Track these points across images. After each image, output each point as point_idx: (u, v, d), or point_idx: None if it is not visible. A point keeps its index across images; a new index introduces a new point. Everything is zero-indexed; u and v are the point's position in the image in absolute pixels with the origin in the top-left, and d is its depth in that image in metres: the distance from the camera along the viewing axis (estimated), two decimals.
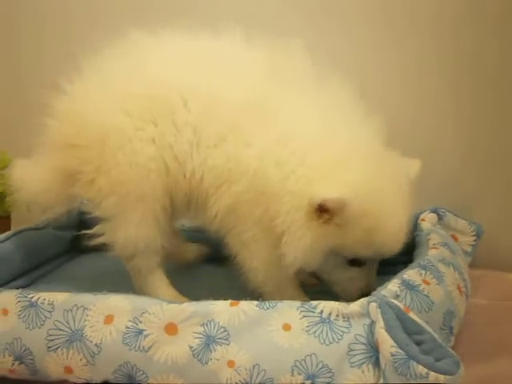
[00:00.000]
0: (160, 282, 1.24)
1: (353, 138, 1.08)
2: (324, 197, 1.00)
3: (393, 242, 1.08)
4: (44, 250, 1.45)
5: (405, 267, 1.27)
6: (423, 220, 1.29)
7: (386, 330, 0.82)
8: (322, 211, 1.02)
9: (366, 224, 1.03)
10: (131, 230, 1.17)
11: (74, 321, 0.95)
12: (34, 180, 1.22)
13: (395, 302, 0.87)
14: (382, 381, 0.82)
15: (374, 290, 0.95)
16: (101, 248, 1.52)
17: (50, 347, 0.94)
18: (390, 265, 1.35)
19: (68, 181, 1.19)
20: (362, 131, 1.09)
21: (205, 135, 1.12)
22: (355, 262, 1.10)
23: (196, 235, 1.50)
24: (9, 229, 1.52)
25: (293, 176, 1.06)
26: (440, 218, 1.31)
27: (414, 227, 1.29)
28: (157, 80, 1.13)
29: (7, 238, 1.34)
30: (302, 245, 1.04)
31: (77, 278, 1.41)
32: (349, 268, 1.11)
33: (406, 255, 1.30)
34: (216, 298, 0.95)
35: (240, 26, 1.16)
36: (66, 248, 1.56)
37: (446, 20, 1.51)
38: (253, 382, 0.86)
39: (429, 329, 0.84)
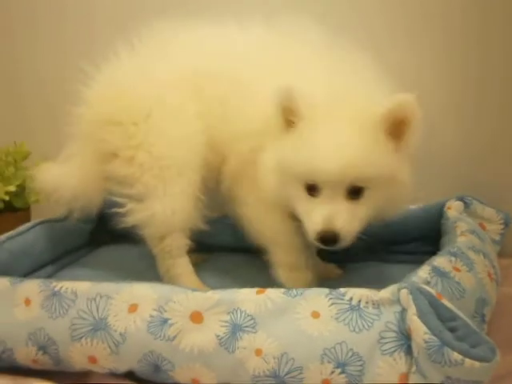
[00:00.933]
0: (186, 267, 1.25)
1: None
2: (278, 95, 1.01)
3: (320, 162, 0.99)
4: (64, 242, 1.44)
5: (426, 256, 1.27)
6: (449, 208, 1.27)
7: (419, 317, 0.79)
8: (286, 117, 1.03)
9: (303, 129, 1.01)
10: (169, 203, 1.19)
11: (98, 310, 0.93)
12: (69, 175, 1.26)
13: (427, 288, 0.84)
14: (414, 369, 0.80)
15: (346, 231, 0.97)
16: (119, 240, 1.53)
17: (73, 336, 0.93)
18: (411, 253, 1.35)
19: (104, 162, 1.22)
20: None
21: (229, 107, 1.15)
22: (311, 190, 1.02)
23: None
24: (29, 220, 1.51)
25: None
26: (466, 206, 1.28)
27: (440, 215, 1.27)
28: (196, 58, 1.19)
29: (27, 230, 1.34)
30: (265, 165, 1.07)
31: (98, 270, 1.40)
32: (308, 198, 1.03)
33: (430, 245, 1.30)
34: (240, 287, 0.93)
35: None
36: (85, 240, 1.55)
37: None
38: (281, 370, 0.84)
39: (462, 315, 0.82)
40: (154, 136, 1.18)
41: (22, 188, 1.51)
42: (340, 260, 1.33)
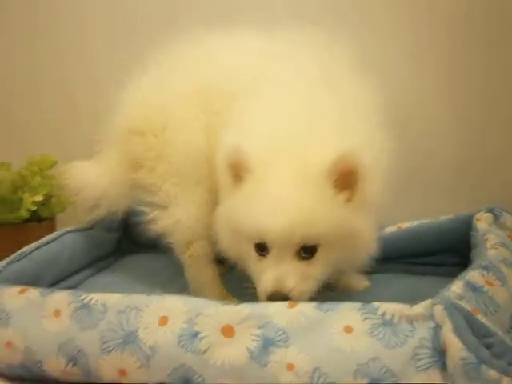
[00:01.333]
0: (213, 276, 1.27)
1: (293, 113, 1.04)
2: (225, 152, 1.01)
3: (267, 222, 0.95)
4: (90, 252, 1.44)
5: (455, 268, 1.25)
6: (478, 220, 1.24)
7: (455, 333, 0.78)
8: (234, 173, 1.01)
9: (248, 186, 0.99)
10: (192, 210, 1.22)
11: (128, 322, 0.93)
12: (99, 175, 1.30)
13: (462, 303, 0.83)
14: None
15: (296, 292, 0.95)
16: (143, 250, 1.54)
17: (103, 349, 0.92)
18: (439, 265, 1.33)
19: (132, 170, 1.25)
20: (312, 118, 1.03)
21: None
22: (261, 250, 0.99)
23: None
24: (54, 230, 1.51)
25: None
26: (496, 217, 1.26)
27: (469, 227, 1.25)
28: (217, 74, 1.20)
29: (54, 240, 1.34)
30: (218, 221, 1.07)
31: (123, 279, 1.41)
32: (258, 258, 1.00)
33: (458, 257, 1.28)
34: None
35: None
36: (111, 249, 1.55)
37: None
38: None
39: (498, 331, 0.81)
40: (171, 147, 1.21)
41: (48, 197, 1.51)
42: (367, 271, 1.31)
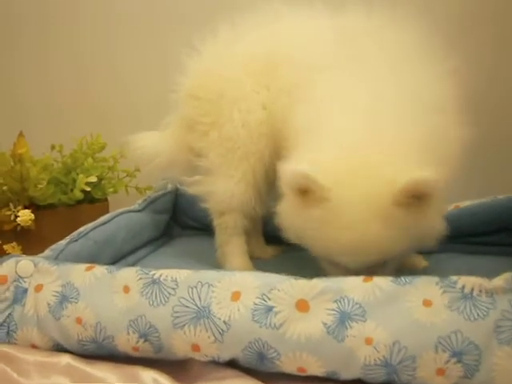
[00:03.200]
0: (239, 247, 1.30)
1: (361, 129, 0.96)
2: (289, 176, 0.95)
3: (342, 256, 0.95)
4: (143, 233, 1.45)
5: None
6: None
7: None
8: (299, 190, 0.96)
9: (325, 216, 0.94)
10: (230, 185, 1.24)
11: (200, 297, 0.92)
12: (164, 142, 1.33)
13: None
14: None
15: None
16: (192, 233, 1.54)
17: (176, 324, 0.92)
18: (497, 245, 1.32)
19: (187, 132, 1.28)
20: (385, 129, 0.96)
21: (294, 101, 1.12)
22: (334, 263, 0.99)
23: None
24: (107, 211, 1.51)
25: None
26: None
27: None
28: (275, 48, 1.19)
29: (109, 220, 1.35)
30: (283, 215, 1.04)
31: (176, 261, 1.41)
32: (335, 264, 0.99)
33: None
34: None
35: None
36: (162, 231, 1.55)
37: None
38: (393, 359, 0.82)
39: None
40: (224, 117, 1.22)
41: (100, 179, 1.51)
42: (424, 251, 1.30)
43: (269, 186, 1.26)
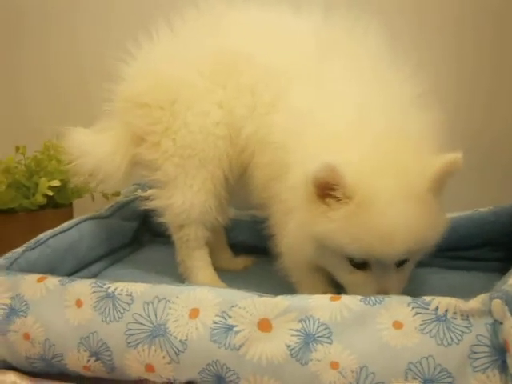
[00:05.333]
0: (202, 260, 1.24)
1: (374, 122, 0.95)
2: (316, 169, 0.89)
3: (382, 244, 0.90)
4: (109, 240, 1.38)
5: (496, 263, 1.19)
6: None
7: None
8: (321, 190, 0.91)
9: (354, 212, 0.90)
10: (189, 195, 1.17)
11: (156, 314, 0.86)
12: (99, 145, 1.22)
13: None
14: None
15: None
16: (161, 240, 1.47)
17: (129, 343, 0.86)
18: (479, 260, 1.26)
19: (134, 144, 1.20)
20: (395, 121, 0.96)
21: (260, 102, 1.09)
22: (358, 265, 0.95)
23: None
24: (71, 217, 1.45)
25: (301, 151, 0.97)
26: None
27: None
28: (227, 45, 1.13)
29: (72, 227, 1.28)
30: (292, 227, 0.98)
31: (142, 270, 1.35)
32: (353, 270, 0.96)
33: (500, 250, 1.22)
34: (253, 289, 0.88)
35: None
36: (130, 239, 1.49)
37: None
38: None
39: None
40: (178, 123, 1.15)
41: (64, 183, 1.44)
42: None
43: (229, 193, 1.21)
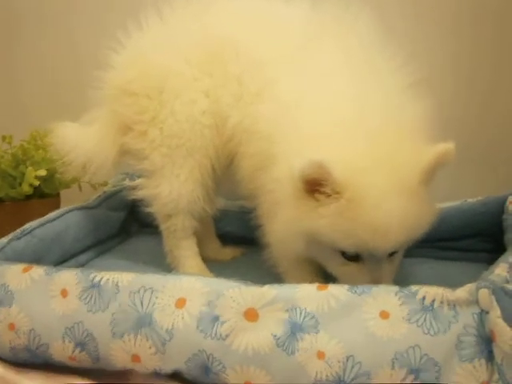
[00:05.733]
0: (190, 250, 1.23)
1: (364, 114, 0.94)
2: (302, 167, 0.88)
3: (375, 238, 0.89)
4: (96, 231, 1.37)
5: (484, 253, 1.18)
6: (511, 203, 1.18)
7: (505, 320, 0.71)
8: (310, 186, 0.90)
9: (345, 207, 0.89)
10: (176, 185, 1.16)
11: (142, 304, 0.85)
12: (87, 138, 1.21)
13: (510, 287, 0.75)
14: (496, 377, 0.72)
15: None
16: (149, 230, 1.47)
17: (115, 333, 0.85)
18: (468, 250, 1.26)
19: (121, 133, 1.19)
20: (385, 112, 0.95)
21: (246, 91, 1.08)
22: (350, 257, 0.95)
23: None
24: (58, 207, 1.44)
25: (287, 143, 0.96)
26: None
27: (501, 210, 1.19)
28: (215, 33, 1.12)
29: (59, 217, 1.27)
30: (280, 221, 0.97)
31: (130, 260, 1.34)
32: (345, 262, 0.95)
33: (488, 242, 1.22)
34: (240, 278, 0.87)
35: None
36: (117, 229, 1.48)
37: None
38: (346, 375, 0.76)
39: None
40: (165, 112, 1.14)
41: (51, 173, 1.43)
42: None
43: (216, 183, 1.21)
